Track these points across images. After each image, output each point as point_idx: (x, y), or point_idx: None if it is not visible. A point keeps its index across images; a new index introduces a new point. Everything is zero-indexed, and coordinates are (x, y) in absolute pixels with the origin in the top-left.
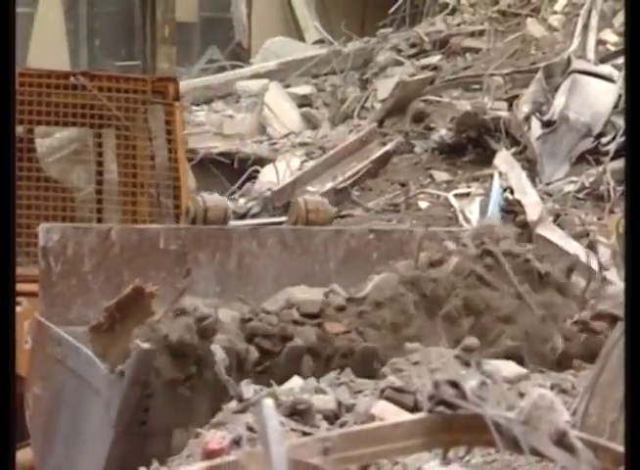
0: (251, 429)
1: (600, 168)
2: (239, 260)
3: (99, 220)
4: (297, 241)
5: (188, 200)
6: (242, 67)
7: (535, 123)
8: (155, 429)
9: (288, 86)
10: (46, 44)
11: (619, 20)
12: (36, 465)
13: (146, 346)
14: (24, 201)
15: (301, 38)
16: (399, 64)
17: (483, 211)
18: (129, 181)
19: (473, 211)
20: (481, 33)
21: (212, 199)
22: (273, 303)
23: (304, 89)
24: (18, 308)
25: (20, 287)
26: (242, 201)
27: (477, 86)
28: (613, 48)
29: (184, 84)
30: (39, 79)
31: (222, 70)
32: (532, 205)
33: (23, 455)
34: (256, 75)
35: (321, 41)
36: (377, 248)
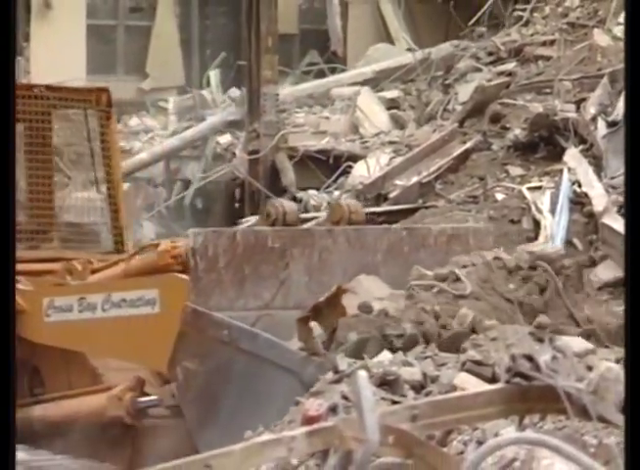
0: (345, 398)
1: None
2: (319, 255)
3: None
4: (357, 238)
5: (119, 192)
6: (342, 70)
7: (601, 124)
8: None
9: (381, 90)
10: (162, 54)
11: None
12: (191, 423)
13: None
14: None
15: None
16: (478, 70)
17: (554, 202)
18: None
19: (544, 202)
20: (552, 43)
21: (288, 204)
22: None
23: (393, 93)
24: (31, 287)
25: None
26: (336, 193)
27: (548, 90)
28: None
29: (286, 90)
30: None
31: (321, 73)
32: (598, 196)
33: (43, 411)
34: (354, 82)
35: (412, 49)
36: (408, 242)
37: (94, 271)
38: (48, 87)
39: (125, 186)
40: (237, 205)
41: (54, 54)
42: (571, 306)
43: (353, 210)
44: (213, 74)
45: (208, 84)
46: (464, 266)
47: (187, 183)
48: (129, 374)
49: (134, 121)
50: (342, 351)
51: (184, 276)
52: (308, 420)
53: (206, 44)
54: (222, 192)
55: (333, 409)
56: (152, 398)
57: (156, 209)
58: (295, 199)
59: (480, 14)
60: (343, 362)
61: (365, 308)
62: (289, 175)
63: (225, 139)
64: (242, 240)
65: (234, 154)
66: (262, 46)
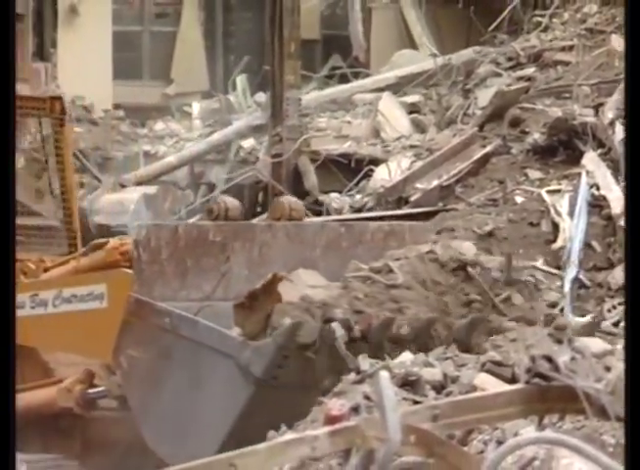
0: (367, 397)
1: None
2: (260, 249)
3: None
4: (297, 233)
5: (72, 197)
6: (366, 75)
7: (619, 128)
8: (284, 384)
9: (403, 95)
10: (187, 59)
11: None
12: (135, 410)
13: (294, 320)
14: None
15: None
16: (498, 75)
17: (572, 205)
18: None
19: (563, 205)
20: (571, 48)
21: (231, 201)
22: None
23: (414, 98)
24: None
25: None
26: (358, 196)
27: (567, 95)
28: None
29: (309, 95)
30: None
31: (344, 78)
32: (616, 199)
33: (30, 397)
34: (377, 87)
35: (434, 55)
36: (346, 238)
37: (47, 270)
38: None
39: (154, 189)
40: (259, 208)
41: (80, 60)
42: (495, 297)
43: (294, 207)
44: (239, 80)
45: (234, 89)
46: (397, 259)
47: (211, 186)
48: (80, 368)
49: (159, 126)
50: (277, 334)
51: (130, 271)
52: (331, 420)
53: (231, 50)
54: (245, 195)
55: (355, 409)
56: (100, 389)
57: (180, 211)
58: (317, 202)
59: (499, 19)
60: (365, 363)
61: (306, 299)
62: (311, 179)
63: (249, 143)
64: (184, 233)
65: (257, 157)
66: (285, 51)
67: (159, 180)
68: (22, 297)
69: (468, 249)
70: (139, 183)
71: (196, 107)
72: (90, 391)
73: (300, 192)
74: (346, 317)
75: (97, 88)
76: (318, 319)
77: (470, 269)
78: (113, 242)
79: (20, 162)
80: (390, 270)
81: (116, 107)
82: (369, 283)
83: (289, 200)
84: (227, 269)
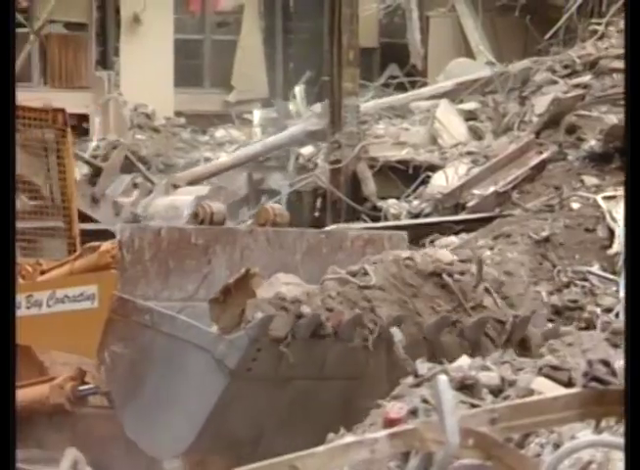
0: (425, 401)
1: None
2: (241, 252)
3: None
4: (277, 239)
5: (72, 204)
6: (423, 83)
7: None
8: (258, 376)
9: (460, 102)
10: (247, 67)
11: None
12: (117, 403)
13: (266, 314)
14: None
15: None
16: (554, 83)
17: None
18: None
19: (619, 211)
20: None
21: (216, 205)
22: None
23: (471, 105)
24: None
25: None
26: (415, 202)
27: (622, 102)
28: None
29: (367, 102)
30: None
31: (401, 86)
32: None
33: (24, 394)
34: (434, 95)
35: (491, 63)
36: (326, 244)
37: (43, 272)
38: None
39: (205, 190)
40: (317, 214)
41: (143, 68)
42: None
43: (278, 213)
44: (298, 90)
45: (294, 97)
46: (374, 263)
47: (271, 193)
48: (74, 366)
49: (220, 133)
50: (249, 328)
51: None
52: (389, 422)
53: (290, 58)
54: (305, 201)
55: (413, 412)
56: (90, 386)
57: (240, 218)
58: (375, 208)
59: (556, 27)
60: (423, 367)
61: (279, 295)
62: (369, 185)
63: (308, 150)
64: (166, 235)
65: (316, 164)
66: (344, 59)
67: (213, 183)
68: (18, 297)
69: (444, 256)
70: (192, 183)
71: (257, 114)
72: (81, 388)
73: (359, 198)
74: (317, 313)
75: (159, 96)
76: (291, 315)
77: (444, 276)
78: (105, 245)
79: (83, 169)
80: (366, 273)
81: (178, 114)
82: (343, 284)
83: (273, 207)
84: (209, 271)
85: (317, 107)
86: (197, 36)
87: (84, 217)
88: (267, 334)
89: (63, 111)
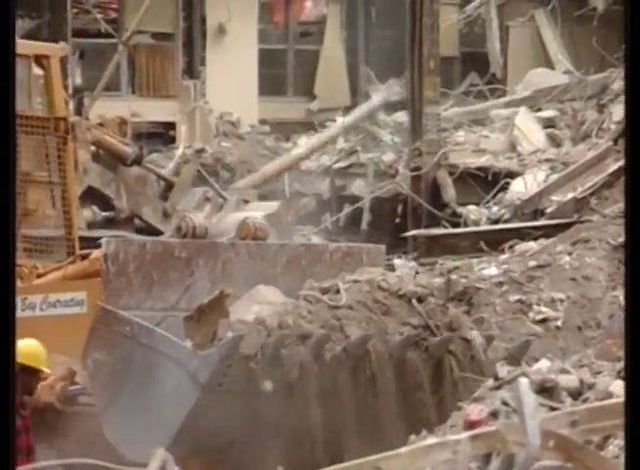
0: (505, 403)
1: None
2: (223, 265)
3: None
4: (258, 252)
5: (72, 209)
6: (502, 91)
7: None
8: (228, 390)
9: (538, 110)
10: (329, 76)
11: None
12: (99, 408)
13: (236, 333)
14: None
15: (551, 69)
16: None
17: None
18: None
19: None
20: None
21: (197, 219)
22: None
23: (549, 113)
24: None
25: None
26: (495, 208)
27: None
28: None
29: (448, 110)
30: None
31: (481, 93)
32: None
33: None
34: (512, 103)
35: (569, 72)
36: (305, 257)
37: (40, 276)
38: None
39: (275, 206)
40: (398, 220)
41: (228, 77)
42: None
43: (259, 227)
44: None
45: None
46: (347, 282)
47: (353, 199)
48: (66, 367)
49: (303, 141)
50: (220, 345)
51: None
52: (470, 424)
53: (371, 67)
54: (385, 207)
55: (493, 414)
56: (80, 386)
57: (323, 224)
58: (455, 214)
59: None
60: (503, 370)
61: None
62: (449, 191)
63: (389, 157)
64: (150, 249)
65: (397, 171)
66: (425, 68)
67: (292, 191)
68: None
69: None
70: (265, 181)
71: (339, 122)
72: (71, 388)
73: (439, 204)
74: (327, 333)
75: (243, 104)
76: (262, 334)
77: (413, 301)
78: (95, 253)
79: (160, 185)
80: (338, 291)
81: (262, 122)
82: (315, 302)
83: (254, 221)
84: (191, 283)
85: (398, 116)
86: (280, 46)
87: (156, 232)
88: (238, 352)
89: (65, 119)
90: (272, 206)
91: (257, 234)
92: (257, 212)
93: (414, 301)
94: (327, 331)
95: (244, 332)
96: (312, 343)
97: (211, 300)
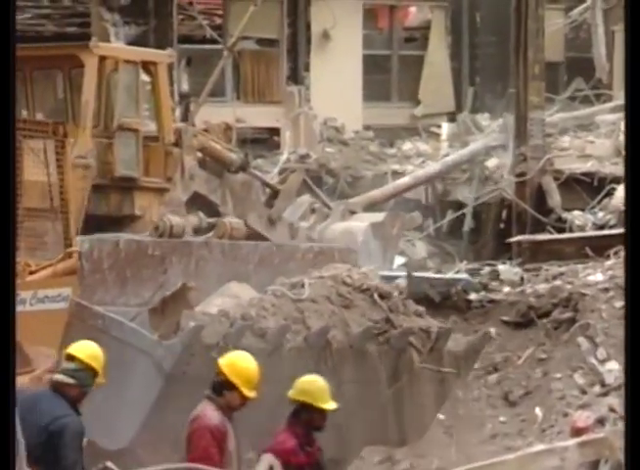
0: (612, 410)
1: None
2: (196, 263)
3: None
4: (232, 250)
5: (69, 210)
6: (608, 96)
7: None
8: (192, 378)
9: None
10: (434, 81)
11: None
12: None
13: (197, 323)
14: None
15: None
16: None
17: None
18: None
19: None
20: None
21: (174, 219)
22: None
23: None
24: None
25: None
26: (600, 214)
27: None
28: None
29: (553, 115)
30: None
31: (586, 98)
32: None
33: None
34: (618, 108)
35: None
36: (277, 255)
37: (32, 273)
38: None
39: (381, 216)
40: (502, 225)
41: (332, 83)
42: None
43: (235, 227)
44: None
45: (478, 111)
46: (316, 277)
47: (457, 205)
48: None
49: (407, 146)
50: (182, 335)
51: None
52: (577, 431)
53: (476, 72)
54: (490, 213)
55: (600, 421)
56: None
57: (427, 230)
58: (560, 219)
59: None
60: (610, 376)
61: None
62: (555, 197)
63: (493, 162)
64: (124, 247)
65: (502, 176)
66: (529, 73)
67: (396, 200)
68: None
69: (374, 275)
70: (372, 205)
71: (445, 128)
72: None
73: (544, 210)
74: (287, 323)
75: (348, 110)
76: (225, 325)
77: (374, 294)
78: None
79: (265, 192)
80: (302, 285)
81: (366, 128)
82: (279, 296)
83: (230, 220)
84: (165, 280)
85: (505, 118)
86: (385, 52)
87: (261, 238)
88: (200, 341)
89: (63, 124)
90: (378, 216)
91: (233, 233)
92: (363, 223)
93: (375, 295)
94: (288, 322)
95: (206, 323)
96: (272, 333)
97: (174, 292)
